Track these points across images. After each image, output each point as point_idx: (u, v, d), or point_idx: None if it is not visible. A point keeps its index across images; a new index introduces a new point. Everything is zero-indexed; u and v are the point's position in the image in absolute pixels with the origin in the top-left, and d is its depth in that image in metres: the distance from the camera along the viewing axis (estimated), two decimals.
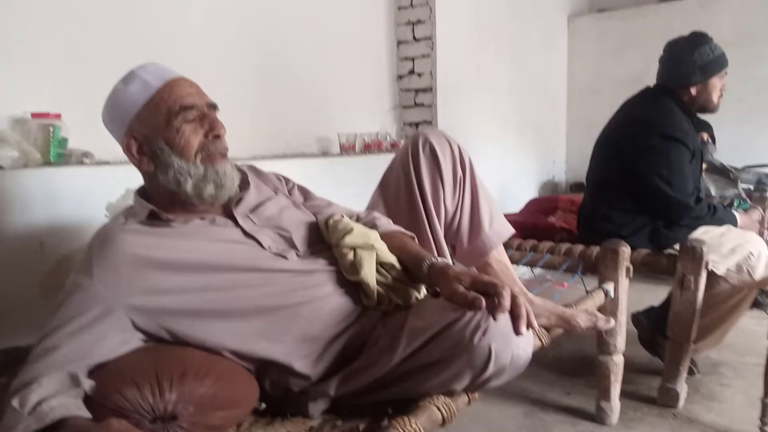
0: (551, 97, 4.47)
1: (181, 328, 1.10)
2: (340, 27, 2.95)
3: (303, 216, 1.36)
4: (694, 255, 1.94)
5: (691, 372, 2.23)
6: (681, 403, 2.06)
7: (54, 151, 1.71)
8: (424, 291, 1.26)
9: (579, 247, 2.11)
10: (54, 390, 0.92)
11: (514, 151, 3.99)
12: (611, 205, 2.25)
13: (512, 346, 1.00)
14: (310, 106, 2.79)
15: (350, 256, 1.20)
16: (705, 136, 2.87)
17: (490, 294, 1.01)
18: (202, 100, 1.20)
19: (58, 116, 1.73)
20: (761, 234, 2.44)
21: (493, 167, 3.58)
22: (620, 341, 1.92)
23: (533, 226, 2.58)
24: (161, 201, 1.20)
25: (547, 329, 1.43)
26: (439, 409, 1.05)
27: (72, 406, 0.90)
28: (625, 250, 1.87)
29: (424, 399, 1.06)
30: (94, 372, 1.01)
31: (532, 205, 3.04)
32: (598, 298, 1.76)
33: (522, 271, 2.26)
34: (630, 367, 2.03)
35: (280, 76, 2.65)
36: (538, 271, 2.23)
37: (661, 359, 2.18)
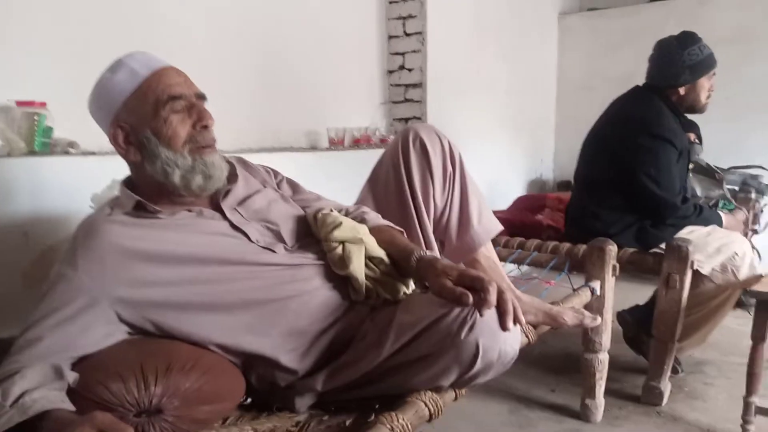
0: (541, 95, 4.48)
1: (166, 320, 1.09)
2: (331, 21, 2.94)
3: (291, 209, 1.35)
4: (680, 254, 1.95)
5: (675, 371, 2.25)
6: (665, 401, 2.08)
7: (39, 140, 1.68)
8: (412, 286, 1.25)
9: (566, 245, 2.12)
10: (37, 382, 0.91)
11: (503, 148, 3.99)
12: (600, 204, 2.26)
13: (500, 342, 1.01)
14: (299, 100, 2.78)
15: (339, 250, 1.19)
16: (692, 136, 2.89)
17: (477, 289, 1.01)
18: (190, 89, 1.19)
19: (43, 105, 1.70)
20: (746, 234, 2.46)
21: (482, 164, 3.58)
22: (606, 339, 1.93)
23: (521, 224, 2.59)
24: (148, 192, 1.18)
25: (534, 326, 1.44)
26: (426, 404, 1.05)
27: (55, 399, 0.89)
28: (612, 249, 1.88)
29: (412, 395, 1.06)
30: (78, 364, 1.00)
31: (520, 203, 3.05)
32: (585, 296, 1.77)
33: (509, 269, 2.26)
34: (615, 366, 2.04)
35: (269, 69, 2.64)
36: (525, 268, 2.23)
37: (646, 358, 2.20)
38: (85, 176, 1.64)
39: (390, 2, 3.28)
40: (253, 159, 1.47)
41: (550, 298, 1.60)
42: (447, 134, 1.51)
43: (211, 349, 1.10)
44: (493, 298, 0.99)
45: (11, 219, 1.54)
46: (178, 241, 1.13)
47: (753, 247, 2.17)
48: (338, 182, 2.01)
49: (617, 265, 1.90)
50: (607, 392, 2.00)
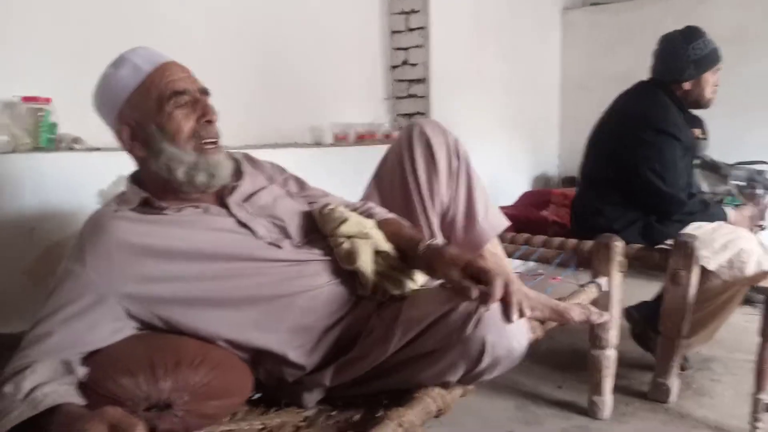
0: (545, 91, 4.47)
1: (174, 316, 1.09)
2: (333, 17, 2.93)
3: (297, 205, 1.34)
4: (687, 250, 1.94)
5: (682, 367, 2.24)
6: (672, 398, 2.07)
7: (44, 135, 1.68)
8: (419, 281, 1.25)
9: (572, 241, 2.11)
10: (47, 377, 0.91)
11: (508, 143, 3.98)
12: (604, 200, 2.25)
13: (507, 338, 1.00)
14: (302, 96, 2.77)
15: (346, 245, 1.19)
16: (697, 131, 2.88)
17: (482, 281, 1.00)
18: (193, 84, 1.18)
19: (48, 100, 1.70)
20: (752, 231, 2.45)
21: (487, 160, 3.56)
22: (613, 336, 1.92)
23: (526, 220, 2.58)
24: (154, 187, 1.18)
25: (541, 322, 1.43)
26: (433, 400, 1.05)
27: (66, 393, 0.89)
28: (618, 245, 1.87)
29: (419, 390, 1.06)
30: (88, 359, 1.00)
31: (525, 199, 3.04)
32: (591, 292, 1.76)
33: (515, 265, 2.26)
34: (622, 362, 2.03)
35: (272, 65, 2.63)
36: (531, 264, 2.22)
37: (653, 354, 2.19)
38: (89, 172, 1.64)
39: None
40: (256, 155, 1.46)
41: (556, 295, 1.60)
42: (451, 129, 1.50)
43: (219, 345, 1.10)
44: (497, 291, 0.99)
45: (17, 215, 1.53)
46: (184, 237, 1.12)
47: (760, 243, 2.15)
48: (341, 178, 2.01)
49: (624, 261, 1.89)
50: (615, 389, 2.00)
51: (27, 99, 1.68)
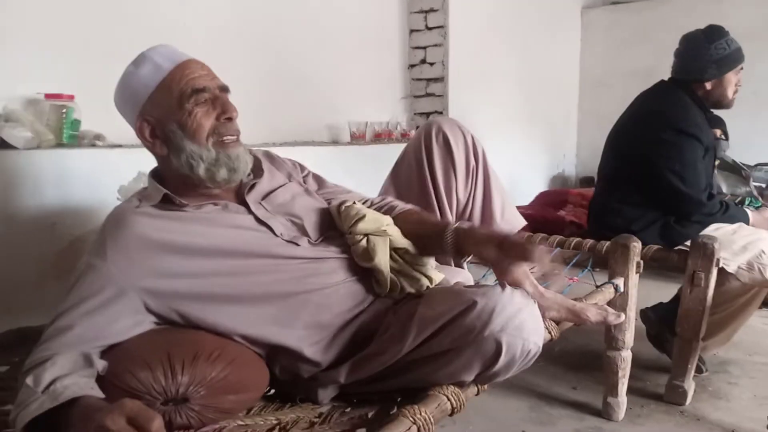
0: (563, 90, 4.45)
1: (192, 311, 1.10)
2: (353, 15, 2.94)
3: (315, 203, 1.35)
4: (706, 251, 1.92)
5: (699, 370, 2.21)
6: (688, 400, 2.05)
7: (67, 132, 1.71)
8: (436, 279, 1.25)
9: (589, 242, 2.09)
10: (67, 369, 0.93)
11: (525, 143, 3.97)
12: (622, 200, 2.23)
13: (523, 338, 1.00)
14: (320, 95, 2.79)
15: (363, 242, 1.20)
16: (718, 132, 2.85)
17: (512, 257, 1.06)
18: (213, 82, 1.19)
19: (71, 98, 1.73)
20: None
21: (504, 159, 3.55)
22: (629, 337, 1.90)
23: (543, 219, 2.58)
24: (174, 184, 1.20)
25: (557, 323, 1.43)
26: (448, 398, 1.04)
27: (85, 386, 0.91)
28: (636, 246, 1.86)
29: (434, 388, 1.06)
30: (107, 352, 1.01)
31: (542, 198, 3.03)
32: (608, 293, 1.75)
33: (531, 265, 2.25)
34: (637, 363, 2.02)
35: (291, 63, 2.65)
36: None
37: (669, 356, 2.17)
38: (111, 168, 1.66)
39: None
40: (275, 152, 1.47)
41: (573, 295, 1.59)
42: (468, 128, 1.50)
43: (236, 340, 1.11)
44: (539, 253, 1.03)
45: (40, 209, 1.56)
46: (203, 234, 1.14)
47: None
48: (358, 177, 2.02)
49: (641, 262, 1.88)
50: (630, 390, 1.98)
51: (50, 96, 1.70)
